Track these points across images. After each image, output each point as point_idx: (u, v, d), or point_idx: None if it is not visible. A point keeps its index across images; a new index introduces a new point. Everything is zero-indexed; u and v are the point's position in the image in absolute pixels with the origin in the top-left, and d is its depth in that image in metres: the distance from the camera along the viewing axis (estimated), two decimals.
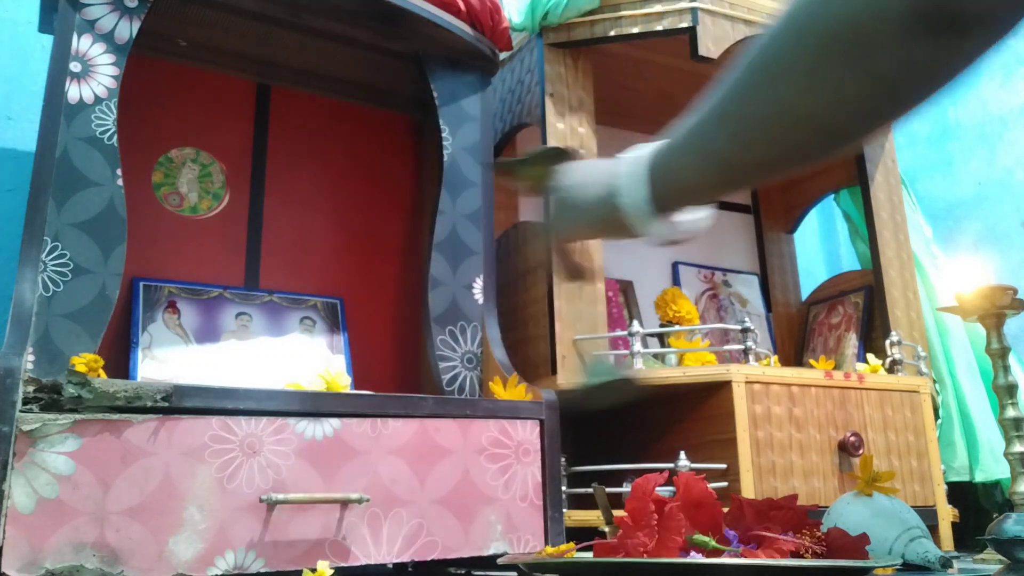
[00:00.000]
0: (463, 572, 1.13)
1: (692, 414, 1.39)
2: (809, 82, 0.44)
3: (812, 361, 1.66)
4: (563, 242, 0.73)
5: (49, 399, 0.86)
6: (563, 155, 0.73)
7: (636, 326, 1.41)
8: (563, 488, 1.32)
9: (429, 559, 1.02)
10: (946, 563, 0.91)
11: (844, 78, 0.42)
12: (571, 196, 0.67)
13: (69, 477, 0.85)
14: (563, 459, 1.31)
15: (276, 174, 1.52)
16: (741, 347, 1.39)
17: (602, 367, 0.73)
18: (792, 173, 0.52)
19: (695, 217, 0.63)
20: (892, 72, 0.41)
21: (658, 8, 1.50)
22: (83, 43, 1.06)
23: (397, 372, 1.53)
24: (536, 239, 1.52)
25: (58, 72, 1.04)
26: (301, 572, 0.88)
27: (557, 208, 0.69)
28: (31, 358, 0.93)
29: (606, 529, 0.90)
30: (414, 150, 1.67)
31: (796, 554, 0.69)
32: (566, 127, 1.52)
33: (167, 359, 1.27)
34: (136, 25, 1.10)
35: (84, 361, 0.92)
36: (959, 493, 1.74)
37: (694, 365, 1.43)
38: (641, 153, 0.59)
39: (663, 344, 1.55)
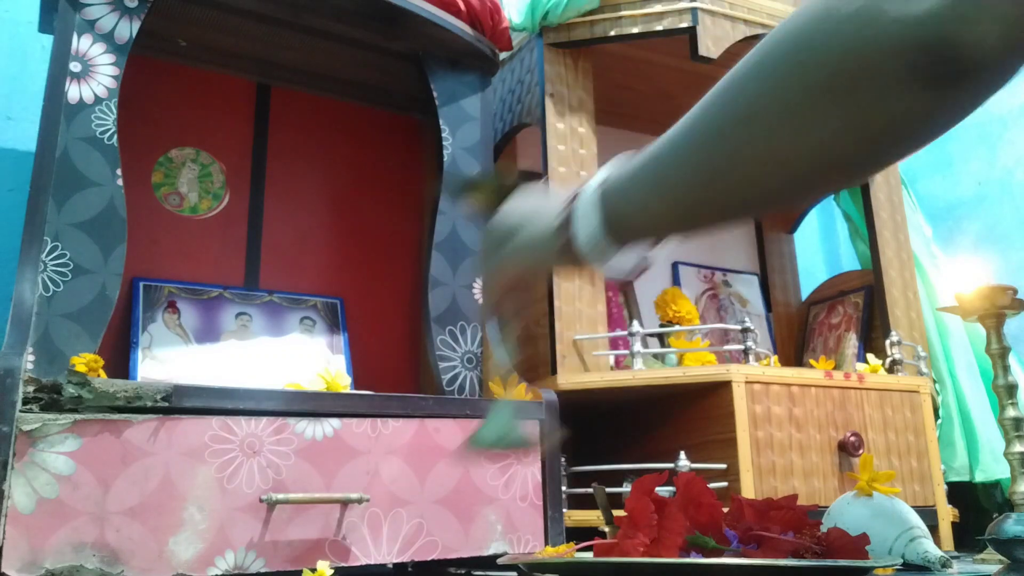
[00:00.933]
0: (463, 572, 1.13)
1: (692, 414, 1.39)
2: (788, 126, 0.41)
3: (812, 361, 1.66)
4: (506, 277, 0.65)
5: (49, 399, 0.86)
6: (519, 180, 0.69)
7: (636, 326, 1.41)
8: (563, 488, 1.32)
9: (429, 559, 1.02)
10: (946, 563, 0.91)
11: (828, 125, 0.40)
12: (521, 225, 0.61)
13: (69, 477, 0.85)
14: (563, 459, 1.31)
15: (276, 174, 1.52)
16: (741, 347, 1.39)
17: (502, 417, 0.69)
18: (752, 219, 0.50)
19: (646, 254, 0.59)
20: (881, 122, 0.39)
21: (658, 8, 1.50)
22: (83, 43, 1.06)
23: (397, 372, 1.53)
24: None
25: (58, 72, 1.04)
26: (301, 572, 0.88)
27: (503, 238, 0.63)
28: (31, 358, 0.93)
29: (606, 529, 0.90)
30: (414, 150, 1.67)
31: (796, 554, 0.69)
32: (566, 127, 1.52)
33: (167, 359, 1.27)
34: (136, 25, 1.10)
35: (84, 361, 0.92)
36: (959, 493, 1.74)
37: (694, 365, 1.43)
38: (592, 183, 0.56)
39: (663, 344, 1.55)
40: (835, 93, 0.39)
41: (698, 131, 0.46)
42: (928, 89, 0.37)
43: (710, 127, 0.45)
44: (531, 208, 0.62)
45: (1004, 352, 1.07)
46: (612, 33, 1.52)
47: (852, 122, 0.39)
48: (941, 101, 0.38)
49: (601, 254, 0.56)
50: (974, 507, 1.82)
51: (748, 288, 2.03)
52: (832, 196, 2.08)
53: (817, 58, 0.39)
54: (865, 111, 0.38)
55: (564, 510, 1.19)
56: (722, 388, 1.32)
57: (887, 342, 1.57)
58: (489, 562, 1.07)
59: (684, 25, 1.49)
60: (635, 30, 1.51)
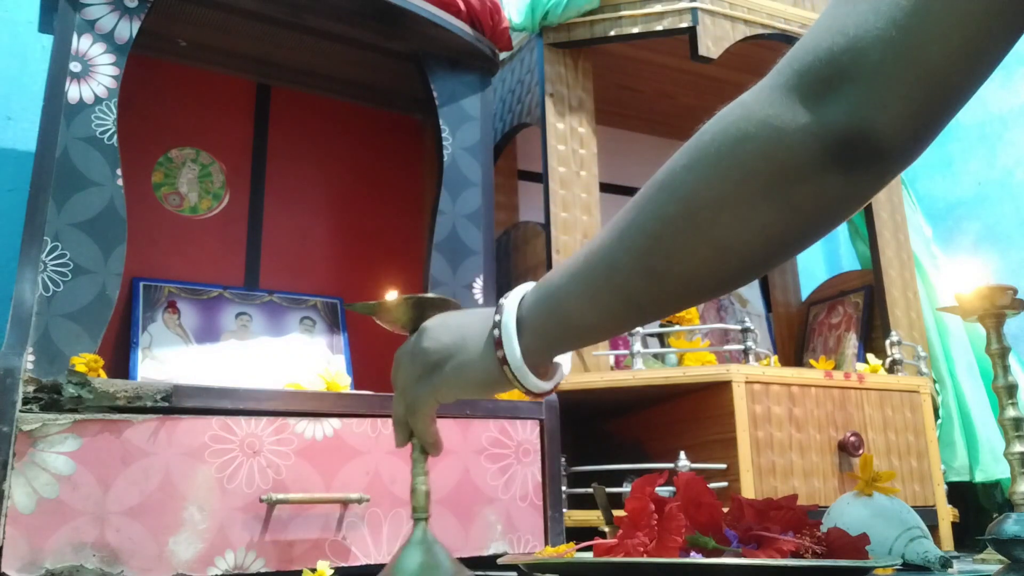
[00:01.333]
0: None
1: (692, 414, 1.39)
2: (729, 216, 0.45)
3: (812, 361, 1.65)
4: (425, 408, 0.63)
5: (49, 399, 0.86)
6: (431, 304, 0.68)
7: None
8: (563, 488, 1.32)
9: None
10: (946, 563, 0.91)
11: (766, 210, 0.45)
12: (443, 354, 0.60)
13: (69, 477, 0.85)
14: (563, 459, 1.31)
15: (276, 174, 1.52)
16: (741, 347, 1.39)
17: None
18: (701, 302, 0.52)
19: (566, 361, 0.60)
20: (808, 203, 0.44)
21: (658, 8, 1.50)
22: (83, 43, 1.06)
23: None
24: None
25: (58, 72, 1.04)
26: (301, 572, 0.88)
27: (432, 364, 0.61)
28: (31, 358, 0.93)
29: (606, 529, 0.90)
30: (414, 150, 1.67)
31: (796, 554, 0.69)
32: (566, 127, 1.52)
33: (167, 359, 1.27)
34: (136, 25, 1.10)
35: (84, 361, 0.92)
36: (959, 493, 1.74)
37: (694, 365, 1.43)
38: (510, 300, 0.57)
39: (663, 344, 1.55)
40: (770, 181, 0.44)
41: (638, 231, 0.49)
42: (846, 172, 0.43)
43: (651, 225, 0.48)
44: (458, 329, 0.60)
45: (1004, 352, 1.07)
46: (612, 33, 1.52)
47: (788, 205, 0.44)
48: (856, 181, 0.44)
49: (528, 374, 0.56)
50: (974, 507, 1.82)
51: (748, 288, 2.03)
52: None
53: (750, 149, 0.44)
54: (795, 194, 0.44)
55: (564, 510, 1.19)
56: (722, 388, 1.32)
57: (887, 342, 1.57)
58: (489, 562, 1.07)
59: (684, 25, 1.49)
60: (635, 30, 1.51)
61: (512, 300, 0.57)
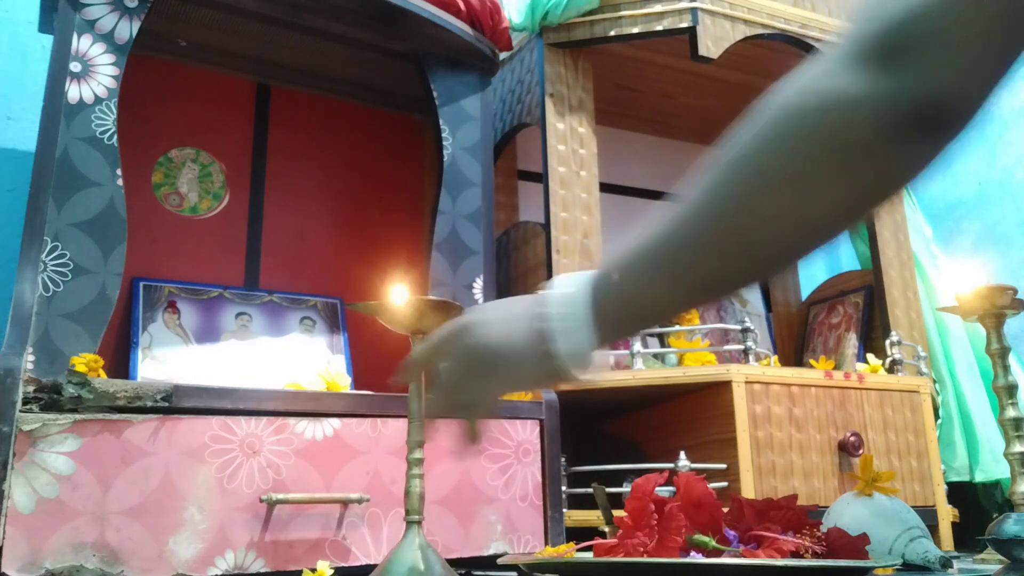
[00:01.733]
0: (463, 572, 1.13)
1: (692, 414, 1.39)
2: (809, 188, 0.46)
3: (812, 361, 1.65)
4: (484, 406, 0.62)
5: (49, 399, 0.86)
6: (432, 306, 0.70)
7: None
8: (563, 488, 1.32)
9: None
10: (946, 563, 0.91)
11: (841, 181, 0.45)
12: (494, 352, 0.58)
13: (69, 477, 0.85)
14: (563, 459, 1.31)
15: (276, 174, 1.52)
16: (741, 347, 1.39)
17: None
18: (781, 272, 0.53)
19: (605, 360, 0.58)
20: (883, 171, 0.45)
21: (658, 8, 1.50)
22: (83, 43, 1.06)
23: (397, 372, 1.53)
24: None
25: (58, 72, 1.04)
26: (301, 572, 0.88)
27: (466, 366, 0.60)
28: (31, 358, 0.93)
29: (606, 529, 0.90)
30: (414, 150, 1.67)
31: (796, 554, 0.69)
32: (566, 127, 1.52)
33: (167, 359, 1.27)
34: (136, 25, 1.10)
35: (84, 361, 0.92)
36: (959, 493, 1.74)
37: (694, 365, 1.43)
38: (571, 290, 0.55)
39: (663, 344, 1.55)
40: (839, 154, 0.45)
41: (713, 206, 0.49)
42: (919, 141, 0.44)
43: (727, 200, 0.48)
44: (502, 325, 0.59)
45: (1004, 352, 1.07)
46: (612, 33, 1.52)
47: (859, 177, 0.45)
48: (928, 150, 0.45)
49: (585, 365, 0.55)
50: (974, 507, 1.82)
51: (748, 288, 2.03)
52: None
53: (817, 124, 0.45)
54: (868, 168, 0.45)
55: (564, 510, 1.19)
56: (722, 388, 1.32)
57: (887, 342, 1.57)
58: (489, 562, 1.07)
59: (684, 25, 1.49)
60: (635, 30, 1.51)
61: (562, 293, 0.55)
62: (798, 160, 0.45)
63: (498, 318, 0.60)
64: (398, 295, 0.81)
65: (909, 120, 0.43)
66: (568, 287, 0.55)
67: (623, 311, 0.53)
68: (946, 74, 0.42)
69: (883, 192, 0.47)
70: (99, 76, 1.06)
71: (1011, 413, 1.04)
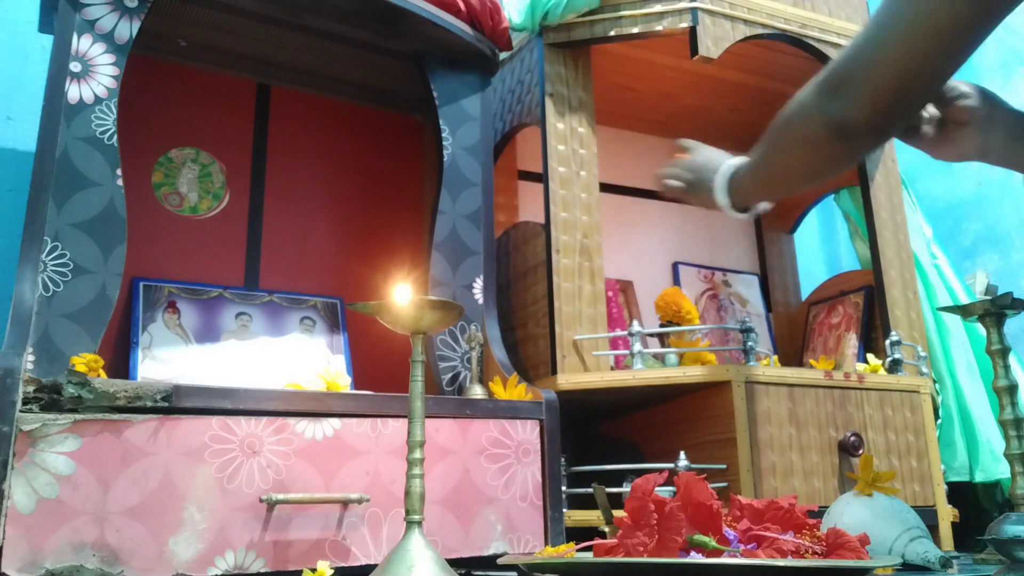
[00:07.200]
0: (463, 572, 1.12)
1: (692, 414, 1.39)
2: (798, 151, 0.81)
3: (812, 361, 1.65)
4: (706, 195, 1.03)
5: (49, 399, 0.86)
6: (432, 306, 0.86)
7: (636, 326, 1.41)
8: (563, 488, 1.32)
9: None
10: (946, 563, 0.91)
11: (809, 155, 0.80)
12: (698, 177, 1.04)
13: (69, 477, 0.85)
14: (563, 459, 1.31)
15: (276, 174, 1.52)
16: (741, 347, 1.39)
17: None
18: (795, 192, 1.04)
19: (760, 207, 1.01)
20: (829, 154, 0.77)
21: (658, 8, 1.50)
22: (83, 43, 1.06)
23: (397, 372, 1.53)
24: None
25: (58, 72, 1.04)
26: (301, 572, 0.88)
27: (693, 174, 1.05)
28: (31, 358, 0.93)
29: (606, 529, 0.91)
30: (414, 150, 1.67)
31: (796, 554, 0.69)
32: (566, 127, 1.52)
33: (167, 359, 1.27)
34: (136, 25, 1.10)
35: (84, 361, 0.92)
36: (959, 493, 1.74)
37: (694, 365, 1.43)
38: (725, 170, 0.98)
39: (663, 344, 1.55)
40: (808, 141, 0.78)
41: (759, 156, 0.89)
42: (842, 142, 0.74)
43: (764, 155, 0.88)
44: (701, 167, 1.03)
45: (1004, 352, 1.07)
46: (612, 33, 1.52)
47: (815, 154, 0.79)
48: (852, 148, 0.75)
49: (727, 208, 0.99)
50: (974, 507, 1.82)
51: (748, 288, 2.03)
52: (832, 196, 2.08)
53: (799, 123, 0.79)
54: (818, 148, 0.78)
55: (564, 510, 1.19)
56: (722, 388, 1.32)
57: (887, 342, 1.57)
58: (489, 562, 1.07)
59: (684, 25, 1.49)
60: (635, 30, 1.51)
61: (722, 172, 0.98)
62: (789, 141, 0.81)
63: (701, 163, 1.04)
64: (401, 295, 0.81)
65: (837, 130, 0.73)
66: (727, 168, 0.97)
67: (743, 190, 0.96)
68: (854, 102, 0.70)
69: (834, 166, 0.80)
70: (99, 76, 1.06)
71: (1011, 413, 1.04)
